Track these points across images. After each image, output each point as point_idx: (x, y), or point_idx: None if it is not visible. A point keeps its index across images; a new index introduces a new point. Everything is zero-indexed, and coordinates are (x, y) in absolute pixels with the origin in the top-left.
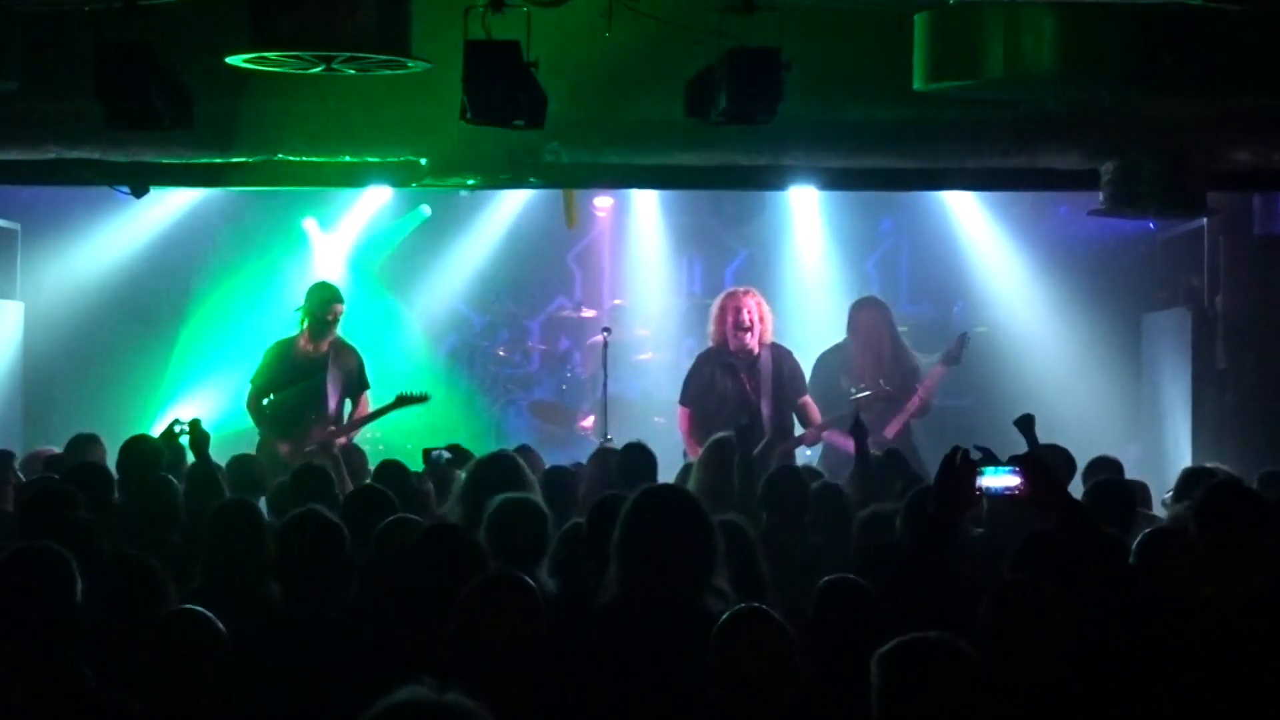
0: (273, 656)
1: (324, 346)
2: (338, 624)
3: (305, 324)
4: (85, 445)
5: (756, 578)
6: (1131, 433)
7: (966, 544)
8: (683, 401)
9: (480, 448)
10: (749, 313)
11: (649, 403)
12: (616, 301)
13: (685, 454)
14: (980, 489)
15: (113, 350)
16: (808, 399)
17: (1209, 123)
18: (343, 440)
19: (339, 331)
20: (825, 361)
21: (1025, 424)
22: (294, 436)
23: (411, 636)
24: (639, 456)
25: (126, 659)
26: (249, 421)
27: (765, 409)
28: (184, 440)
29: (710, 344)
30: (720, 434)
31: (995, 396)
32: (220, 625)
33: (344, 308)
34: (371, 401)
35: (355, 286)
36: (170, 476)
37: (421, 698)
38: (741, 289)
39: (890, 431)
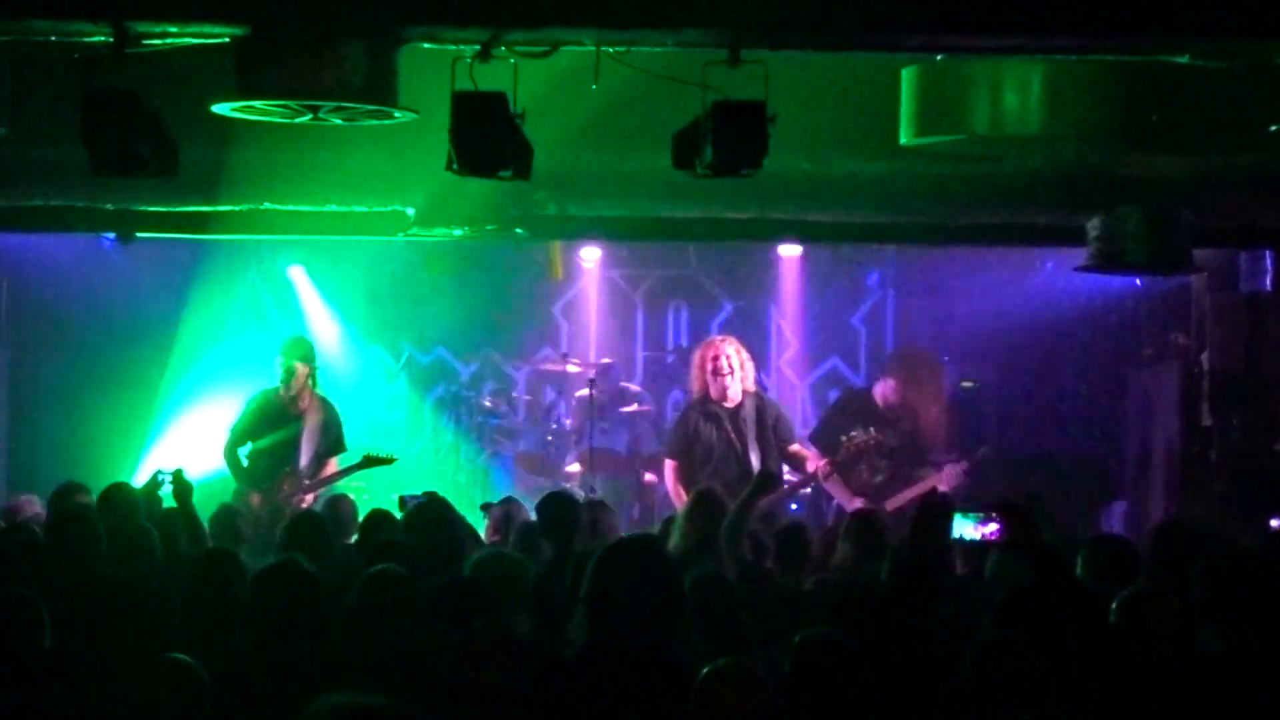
0: (247, 703)
1: (302, 401)
2: (310, 673)
3: (280, 377)
4: (70, 494)
5: (734, 629)
6: (1118, 489)
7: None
8: (670, 454)
9: (467, 497)
10: (727, 359)
11: (635, 455)
12: (605, 360)
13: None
14: (956, 535)
15: (98, 396)
16: (798, 446)
17: (1195, 180)
18: (309, 498)
19: (317, 388)
20: (848, 402)
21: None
22: (266, 488)
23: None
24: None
25: (111, 705)
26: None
27: (753, 457)
28: (167, 490)
29: (693, 395)
30: (703, 486)
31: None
32: (204, 673)
33: (307, 366)
34: (341, 463)
35: (342, 335)
36: (148, 525)
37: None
38: (719, 337)
39: (891, 505)
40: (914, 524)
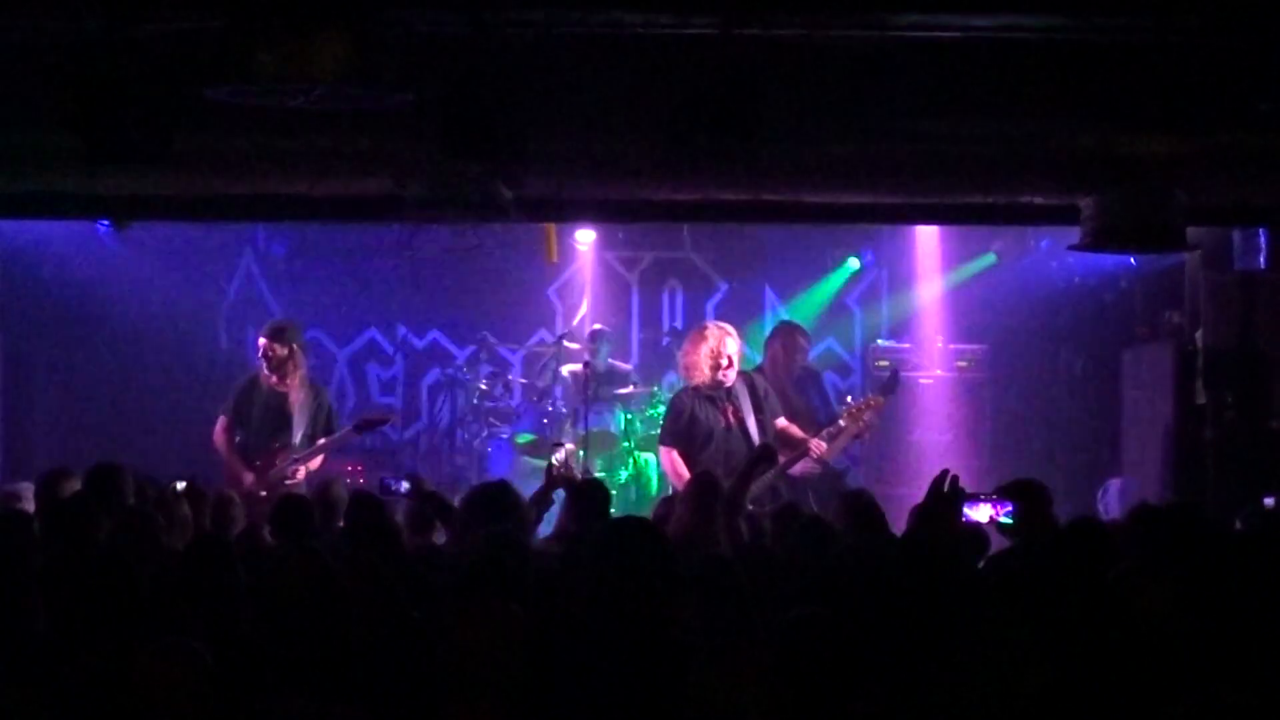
0: (250, 690)
1: (289, 382)
2: (321, 657)
3: (266, 360)
4: (59, 481)
5: (735, 610)
6: (1113, 467)
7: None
8: (668, 441)
9: (465, 480)
10: (732, 356)
11: (630, 436)
12: (596, 326)
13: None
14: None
15: (94, 381)
16: (784, 422)
17: (1188, 158)
18: (302, 471)
19: (303, 369)
20: None
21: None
22: (259, 466)
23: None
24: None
25: (107, 688)
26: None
27: (754, 433)
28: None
29: (688, 383)
30: (703, 470)
31: (976, 431)
32: (206, 655)
33: (287, 348)
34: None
35: (338, 320)
36: (148, 511)
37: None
38: (719, 328)
39: (831, 455)
40: (925, 506)
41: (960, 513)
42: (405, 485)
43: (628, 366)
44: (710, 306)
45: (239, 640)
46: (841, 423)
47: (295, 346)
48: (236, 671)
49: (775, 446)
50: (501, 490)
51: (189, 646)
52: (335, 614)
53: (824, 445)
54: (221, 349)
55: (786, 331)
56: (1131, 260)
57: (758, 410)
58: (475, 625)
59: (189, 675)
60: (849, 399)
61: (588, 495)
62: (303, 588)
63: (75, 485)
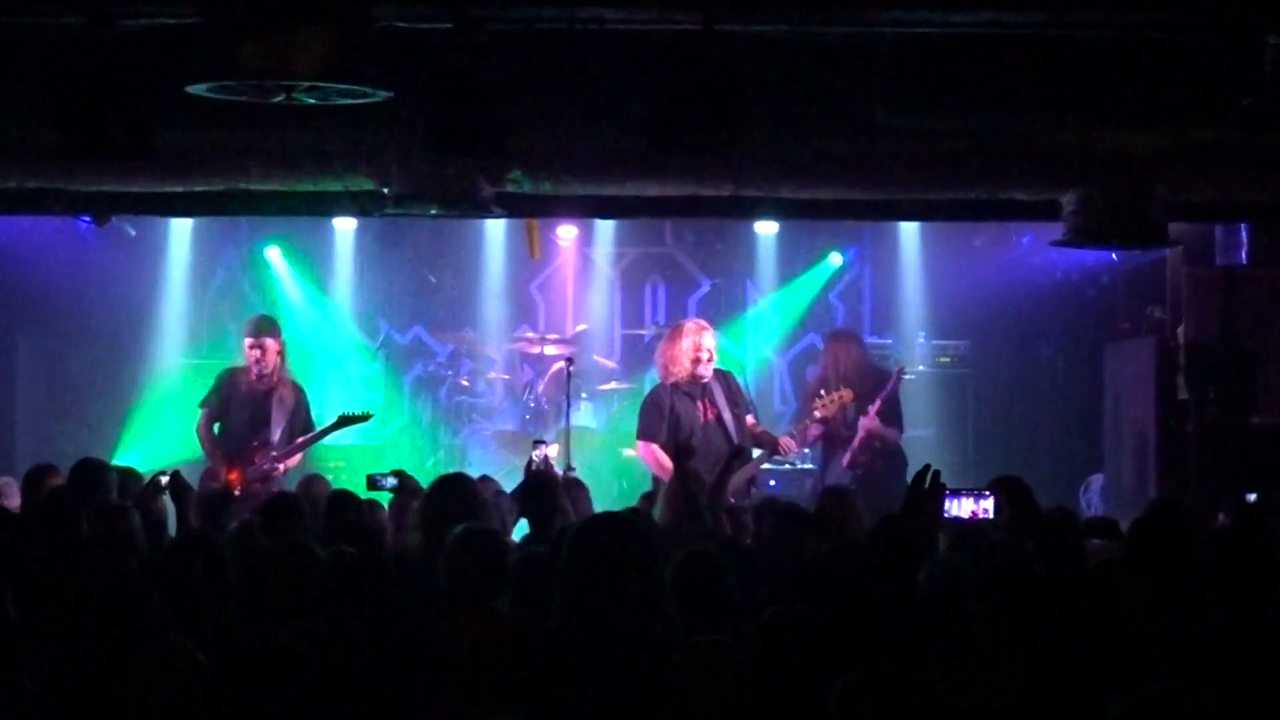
0: (244, 686)
1: (272, 378)
2: (308, 654)
3: (248, 355)
4: (44, 477)
5: (727, 605)
6: (1095, 463)
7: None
8: (647, 436)
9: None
10: (711, 350)
11: (613, 433)
12: (581, 327)
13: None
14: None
15: (75, 377)
16: (752, 419)
17: (1171, 154)
18: (281, 468)
19: (287, 366)
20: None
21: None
22: (238, 463)
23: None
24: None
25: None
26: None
27: (732, 429)
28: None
29: (666, 379)
30: (684, 464)
31: (959, 427)
32: (199, 655)
33: (276, 343)
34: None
35: (320, 316)
36: (127, 505)
37: None
38: (697, 325)
39: (845, 462)
40: (908, 500)
41: (941, 507)
42: (392, 480)
43: (612, 364)
44: (692, 302)
45: (229, 638)
46: (817, 414)
47: (276, 341)
48: (228, 670)
49: (745, 447)
50: (460, 483)
51: (182, 646)
52: (328, 610)
53: (793, 444)
54: (203, 344)
55: (839, 341)
56: (1113, 256)
57: (733, 405)
58: (463, 626)
59: (182, 675)
60: (822, 392)
61: (538, 491)
62: (295, 584)
63: (59, 481)
